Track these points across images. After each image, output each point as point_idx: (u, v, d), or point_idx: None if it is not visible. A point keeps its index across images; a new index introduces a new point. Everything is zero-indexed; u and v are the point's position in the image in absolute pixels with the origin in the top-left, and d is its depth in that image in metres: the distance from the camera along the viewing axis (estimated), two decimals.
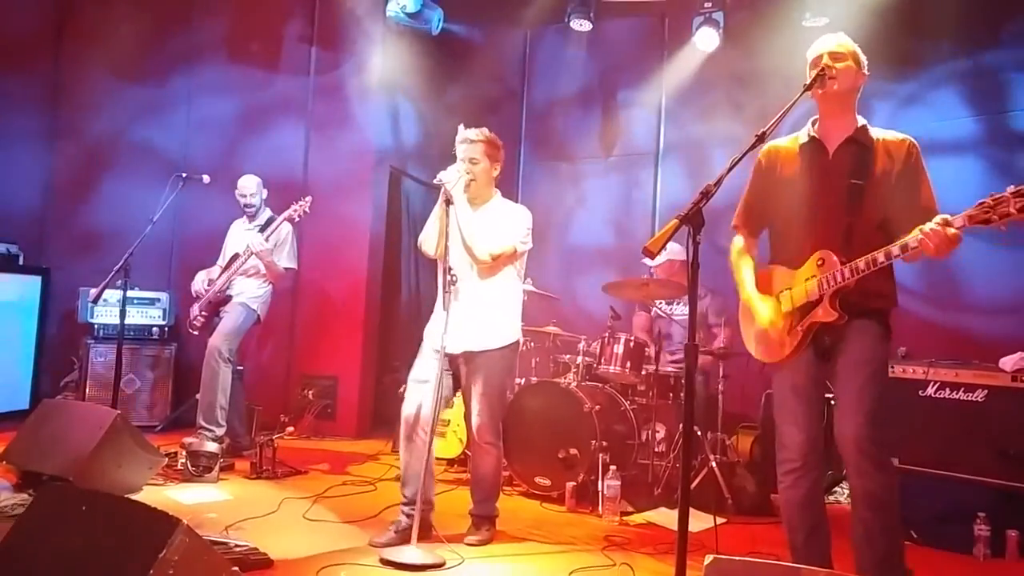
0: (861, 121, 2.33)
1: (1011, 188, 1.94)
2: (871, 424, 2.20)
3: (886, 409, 2.26)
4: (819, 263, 2.26)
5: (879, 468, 2.22)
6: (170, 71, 5.76)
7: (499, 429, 3.11)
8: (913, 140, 2.31)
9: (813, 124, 2.38)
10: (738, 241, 2.51)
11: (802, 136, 2.39)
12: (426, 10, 5.20)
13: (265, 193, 4.55)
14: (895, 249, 2.11)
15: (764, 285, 2.42)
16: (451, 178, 2.91)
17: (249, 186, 4.48)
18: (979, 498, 3.24)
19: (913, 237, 2.07)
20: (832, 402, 2.40)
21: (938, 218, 2.05)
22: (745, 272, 2.46)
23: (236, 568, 1.87)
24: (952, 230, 2.01)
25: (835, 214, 2.27)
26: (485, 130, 3.12)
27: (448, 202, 2.93)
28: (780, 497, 2.43)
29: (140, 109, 5.73)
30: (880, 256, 2.13)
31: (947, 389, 3.41)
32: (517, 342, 3.17)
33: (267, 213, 4.50)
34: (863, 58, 2.35)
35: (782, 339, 2.34)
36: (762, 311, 2.37)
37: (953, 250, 2.03)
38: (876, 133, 2.32)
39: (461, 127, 3.10)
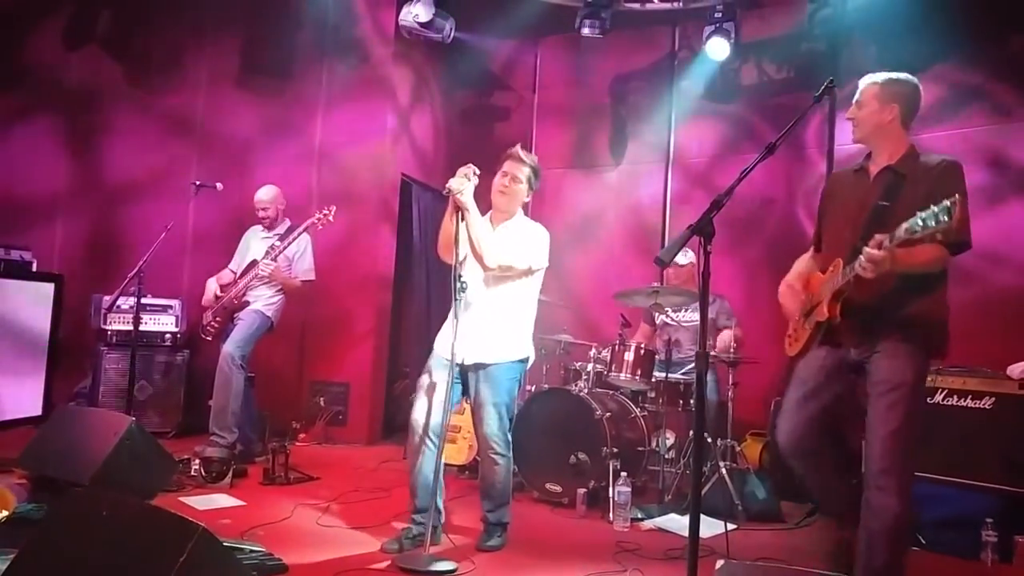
0: (906, 149, 2.50)
1: (938, 205, 2.00)
2: (897, 447, 2.32)
3: (914, 431, 2.36)
4: (831, 270, 2.45)
5: (897, 483, 2.32)
6: (184, 79, 5.82)
7: (508, 439, 3.13)
8: (950, 161, 2.44)
9: (869, 154, 2.60)
10: (808, 254, 2.80)
11: (856, 165, 2.64)
12: (438, 19, 5.24)
13: (283, 204, 4.60)
14: (863, 258, 2.20)
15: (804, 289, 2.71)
16: (458, 186, 2.90)
17: (266, 198, 4.52)
18: (987, 504, 3.24)
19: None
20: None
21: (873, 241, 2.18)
22: (797, 266, 2.77)
23: (255, 573, 1.89)
24: (874, 251, 2.14)
25: (859, 230, 2.43)
26: (535, 157, 3.20)
27: (458, 209, 2.93)
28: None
29: (154, 117, 5.80)
30: (856, 264, 2.24)
31: (955, 396, 3.43)
32: (527, 359, 3.19)
33: (286, 223, 4.54)
34: (892, 89, 2.50)
35: (798, 335, 2.60)
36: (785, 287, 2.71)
37: (882, 269, 2.17)
38: (918, 159, 2.49)
39: (519, 146, 3.18)
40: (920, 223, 2.02)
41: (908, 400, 2.35)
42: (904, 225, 2.07)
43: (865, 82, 2.54)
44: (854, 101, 2.55)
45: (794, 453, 2.57)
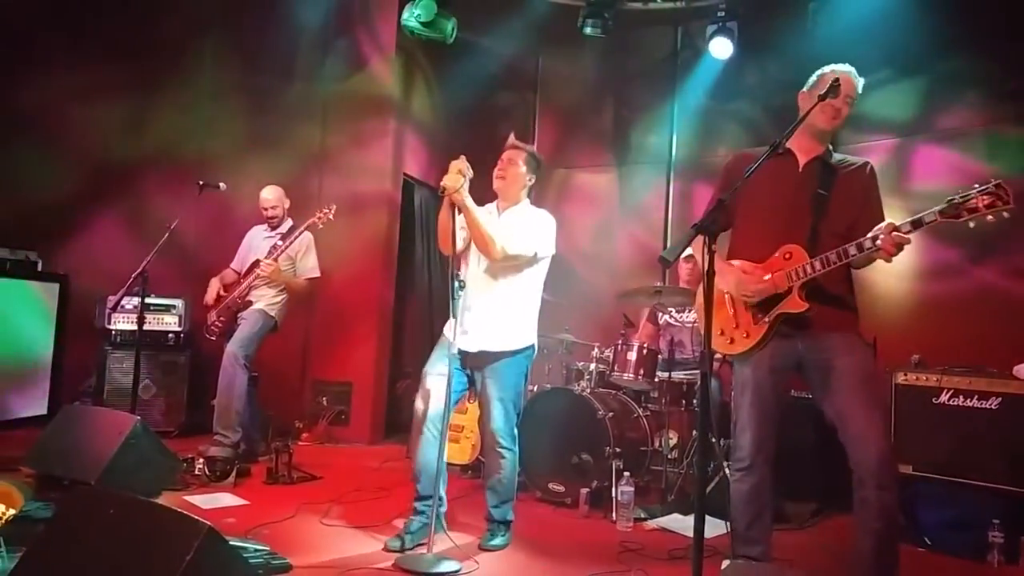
0: (827, 144, 2.55)
1: (977, 186, 2.10)
2: (888, 440, 2.36)
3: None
4: (786, 256, 2.40)
5: (896, 481, 2.32)
6: (187, 79, 5.83)
7: (514, 434, 3.14)
8: (871, 163, 2.52)
9: (785, 138, 2.46)
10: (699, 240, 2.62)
11: (779, 148, 2.42)
12: (440, 19, 5.24)
13: (287, 203, 4.61)
14: (867, 242, 2.25)
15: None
16: (453, 183, 2.88)
17: (272, 197, 4.54)
18: (993, 505, 3.24)
19: (875, 233, 2.24)
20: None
21: (884, 225, 2.24)
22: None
23: (260, 572, 1.89)
24: (899, 235, 2.20)
25: (802, 217, 2.43)
26: (533, 146, 3.25)
27: (454, 206, 2.93)
28: (731, 487, 2.59)
29: (157, 118, 5.81)
30: (852, 248, 2.28)
31: (961, 396, 3.43)
32: (533, 347, 3.19)
33: (289, 222, 4.55)
34: None
35: (747, 329, 2.45)
36: (730, 272, 2.48)
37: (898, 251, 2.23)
38: (839, 156, 2.55)
39: (513, 135, 3.20)
40: (959, 199, 2.09)
41: (878, 392, 2.41)
42: (940, 207, 2.13)
43: (857, 78, 2.48)
44: (856, 92, 2.45)
45: (758, 470, 2.48)
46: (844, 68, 2.49)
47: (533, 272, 3.14)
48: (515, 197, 3.18)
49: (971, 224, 2.12)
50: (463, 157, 2.95)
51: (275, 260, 4.26)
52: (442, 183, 2.89)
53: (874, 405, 2.34)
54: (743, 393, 2.51)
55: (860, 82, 2.49)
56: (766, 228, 2.47)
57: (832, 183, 2.44)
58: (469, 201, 2.93)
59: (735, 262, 2.52)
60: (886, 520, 2.29)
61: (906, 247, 2.27)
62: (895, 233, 2.20)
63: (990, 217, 2.08)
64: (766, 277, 2.42)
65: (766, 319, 2.40)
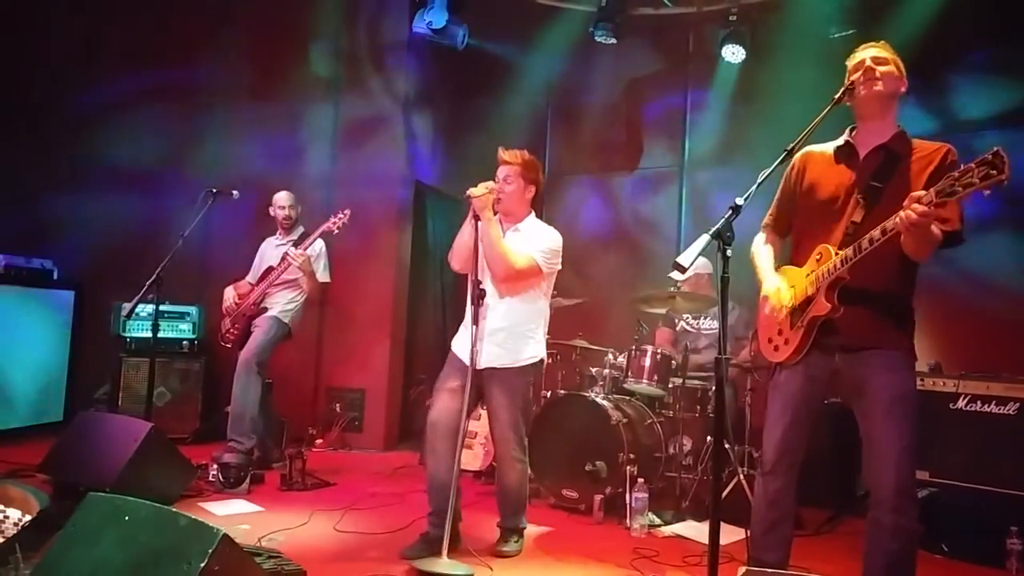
0: (898, 129, 2.32)
1: (976, 160, 1.90)
2: (911, 464, 2.22)
3: (917, 441, 2.24)
4: (817, 258, 2.28)
5: (914, 503, 2.23)
6: (200, 87, 5.89)
7: (524, 444, 3.13)
8: (951, 147, 2.28)
9: (851, 131, 2.39)
10: (762, 236, 2.54)
11: (839, 141, 2.40)
12: (451, 26, 5.26)
13: (300, 208, 4.63)
14: (876, 232, 2.09)
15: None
16: (479, 194, 2.94)
17: (286, 200, 4.56)
18: (1011, 512, 3.19)
19: (891, 220, 2.05)
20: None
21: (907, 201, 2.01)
22: (764, 257, 2.48)
23: None
24: (920, 207, 1.96)
25: (846, 212, 2.28)
26: (523, 152, 3.14)
27: (476, 218, 2.96)
28: (755, 488, 2.52)
29: (171, 126, 5.87)
30: (864, 242, 2.11)
31: (978, 402, 3.39)
32: (541, 361, 3.18)
33: (300, 229, 4.58)
34: (901, 65, 2.33)
35: (787, 336, 2.35)
36: (773, 283, 2.37)
37: (924, 230, 2.02)
38: (914, 142, 2.31)
39: (501, 149, 3.13)
40: (957, 174, 1.90)
41: (913, 412, 2.22)
42: (936, 187, 1.94)
43: (879, 45, 2.30)
44: (871, 56, 2.26)
45: (781, 476, 2.42)
46: (860, 50, 2.33)
47: (538, 288, 3.13)
48: (518, 214, 3.16)
49: (964, 200, 1.94)
50: (491, 182, 3.01)
51: (303, 252, 4.25)
52: (469, 191, 2.94)
53: (901, 428, 2.18)
54: (775, 397, 2.44)
55: (869, 50, 2.29)
56: (813, 230, 2.35)
57: (891, 173, 2.23)
58: (489, 213, 2.95)
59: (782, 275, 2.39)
60: (902, 541, 2.21)
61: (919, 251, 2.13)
62: (913, 206, 1.97)
63: (986, 192, 1.88)
64: (788, 287, 2.34)
65: (801, 324, 2.30)
